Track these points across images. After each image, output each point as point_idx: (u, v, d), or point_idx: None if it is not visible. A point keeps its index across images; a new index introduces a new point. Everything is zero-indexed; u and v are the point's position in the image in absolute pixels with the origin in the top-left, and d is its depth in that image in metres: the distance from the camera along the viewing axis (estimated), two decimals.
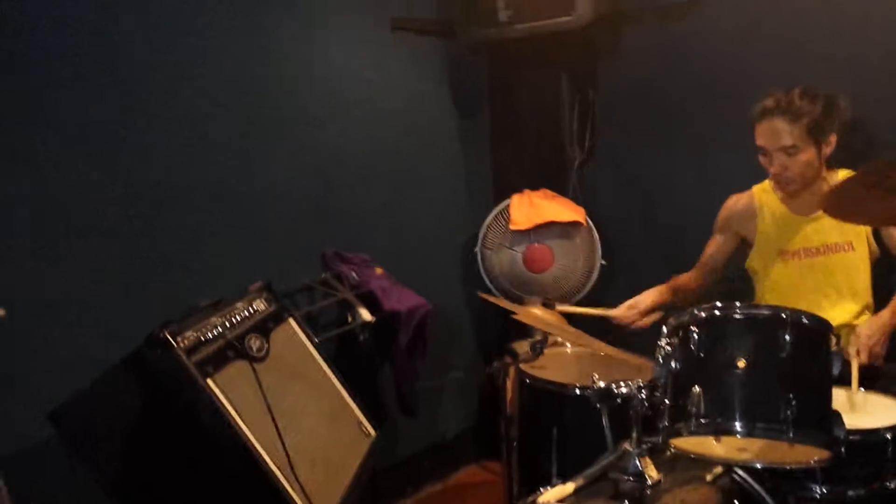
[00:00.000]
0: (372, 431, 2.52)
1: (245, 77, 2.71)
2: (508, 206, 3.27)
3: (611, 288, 3.24)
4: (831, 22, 2.67)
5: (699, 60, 2.97)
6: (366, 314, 2.80)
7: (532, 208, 3.22)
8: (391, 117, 3.21)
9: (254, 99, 2.75)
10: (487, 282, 3.31)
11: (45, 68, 2.26)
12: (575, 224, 3.20)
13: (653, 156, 3.20)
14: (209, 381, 1.94)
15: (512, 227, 3.22)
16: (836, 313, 2.42)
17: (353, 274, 2.93)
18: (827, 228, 2.45)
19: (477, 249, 3.29)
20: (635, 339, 2.52)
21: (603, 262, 3.20)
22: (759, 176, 2.55)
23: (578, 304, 3.08)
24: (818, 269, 2.47)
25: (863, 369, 2.12)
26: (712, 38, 2.92)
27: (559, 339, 2.53)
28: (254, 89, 2.75)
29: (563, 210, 3.21)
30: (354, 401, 2.51)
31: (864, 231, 2.44)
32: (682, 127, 3.08)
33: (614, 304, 2.70)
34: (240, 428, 1.95)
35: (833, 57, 2.64)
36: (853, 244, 2.44)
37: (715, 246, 2.69)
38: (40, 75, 2.26)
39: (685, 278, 2.72)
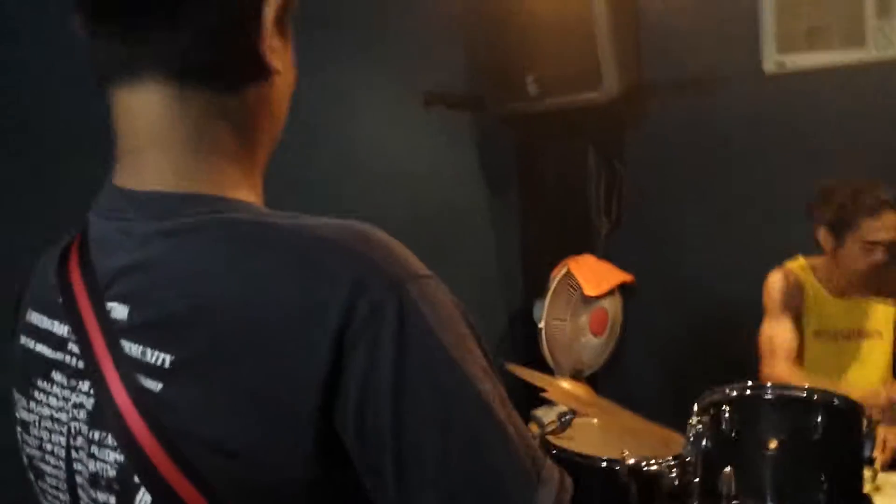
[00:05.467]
0: None
1: (276, 150, 2.78)
2: (569, 272, 3.19)
3: (634, 355, 3.24)
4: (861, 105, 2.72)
5: (724, 132, 3.02)
6: None
7: (595, 272, 3.21)
8: (423, 189, 3.28)
9: (286, 171, 2.81)
10: (548, 355, 3.13)
11: None
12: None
13: (680, 225, 3.23)
14: None
15: (587, 293, 3.16)
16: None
17: None
18: (859, 313, 2.47)
19: (541, 324, 3.13)
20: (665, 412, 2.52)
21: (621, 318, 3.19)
22: (785, 248, 2.58)
23: (605, 372, 3.08)
24: (848, 353, 2.48)
25: None
26: (737, 111, 2.98)
27: (586, 414, 2.53)
28: (286, 161, 2.81)
29: (618, 272, 3.22)
30: None
31: (893, 320, 2.46)
32: (708, 198, 3.12)
33: (639, 372, 2.70)
34: None
35: (860, 141, 2.68)
36: (882, 333, 2.47)
37: (790, 332, 2.54)
38: None
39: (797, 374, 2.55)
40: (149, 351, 0.68)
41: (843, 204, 2.36)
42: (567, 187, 3.48)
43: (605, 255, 3.38)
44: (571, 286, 3.22)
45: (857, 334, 2.48)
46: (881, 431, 2.22)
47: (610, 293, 3.21)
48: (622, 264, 3.34)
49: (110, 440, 0.70)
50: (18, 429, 0.83)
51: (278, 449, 0.65)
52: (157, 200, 0.73)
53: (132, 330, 0.70)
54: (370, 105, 3.10)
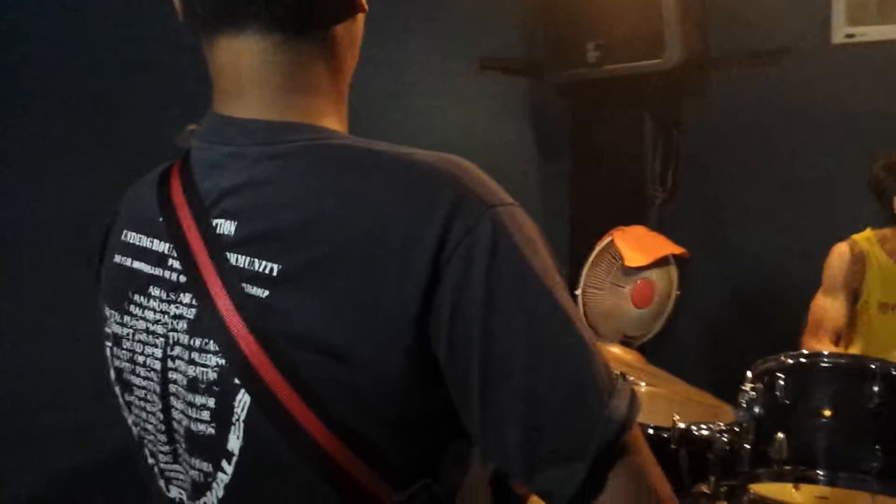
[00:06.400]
0: None
1: None
2: (612, 242, 3.20)
3: (685, 326, 3.22)
4: None
5: (788, 105, 2.97)
6: None
7: (640, 244, 3.20)
8: (475, 155, 3.27)
9: None
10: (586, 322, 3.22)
11: None
12: (667, 258, 3.18)
13: (736, 197, 3.20)
14: None
15: (628, 263, 3.16)
16: None
17: None
18: None
19: (578, 291, 3.17)
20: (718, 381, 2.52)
21: (678, 291, 3.17)
22: (845, 225, 2.54)
23: (655, 340, 3.07)
24: None
25: None
26: (803, 83, 2.92)
27: (636, 380, 2.54)
28: None
29: (669, 244, 3.20)
30: None
31: None
32: (767, 171, 3.08)
33: (689, 343, 2.69)
34: None
35: None
36: None
37: (840, 309, 2.54)
38: None
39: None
40: (256, 261, 0.73)
41: None
42: (623, 156, 3.45)
43: (659, 226, 3.36)
44: (613, 256, 3.22)
45: None
46: None
47: (661, 265, 3.19)
48: (676, 235, 3.31)
49: (212, 345, 0.75)
50: (108, 344, 0.87)
51: (377, 350, 0.69)
52: (263, 127, 0.78)
53: (239, 243, 0.75)
54: (424, 70, 3.10)
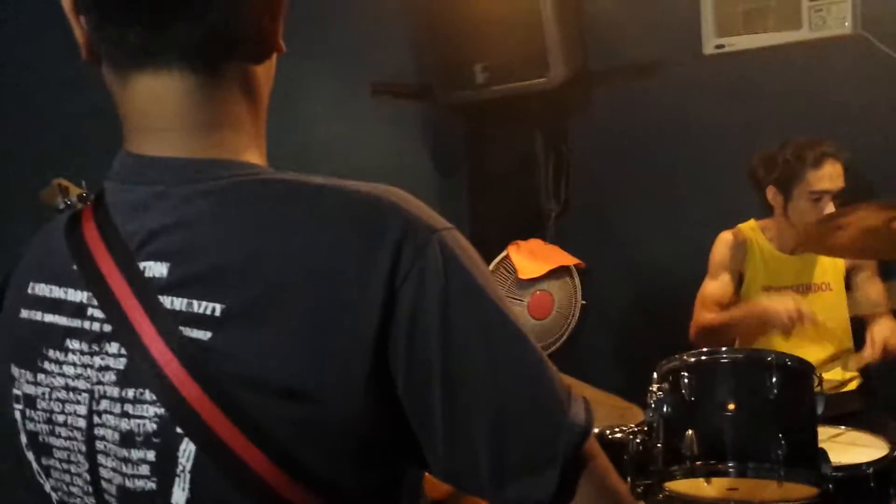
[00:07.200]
0: None
1: None
2: (507, 257, 3.31)
3: (589, 332, 3.32)
4: (793, 79, 2.84)
5: (667, 114, 3.11)
6: None
7: (534, 256, 3.28)
8: (371, 179, 3.28)
9: None
10: None
11: None
12: (566, 268, 3.28)
13: (627, 206, 3.32)
14: None
15: (521, 276, 3.26)
16: (813, 352, 2.51)
17: None
18: (808, 268, 2.58)
19: None
20: (628, 384, 2.59)
21: (583, 301, 3.26)
22: (728, 221, 2.68)
23: (561, 348, 3.16)
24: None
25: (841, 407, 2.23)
26: (679, 92, 3.07)
27: None
28: None
29: (561, 255, 3.29)
30: None
31: (842, 273, 2.57)
32: (653, 177, 3.21)
33: (595, 349, 2.76)
34: None
35: (794, 111, 2.80)
36: (830, 285, 2.57)
37: (721, 287, 2.65)
38: None
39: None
40: (195, 302, 0.71)
41: (787, 160, 2.49)
42: (516, 173, 3.54)
43: (556, 238, 3.45)
44: (507, 269, 3.31)
45: (807, 288, 2.58)
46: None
47: (559, 277, 3.28)
48: (572, 246, 3.42)
49: (147, 395, 0.72)
50: (18, 406, 0.82)
51: (335, 382, 0.69)
52: (189, 164, 0.76)
53: (173, 285, 0.72)
54: (318, 97, 3.09)
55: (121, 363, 0.74)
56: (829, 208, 2.45)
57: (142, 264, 0.74)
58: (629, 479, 1.86)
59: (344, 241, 0.71)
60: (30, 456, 0.83)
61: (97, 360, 0.76)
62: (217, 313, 0.70)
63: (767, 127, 2.80)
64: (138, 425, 0.73)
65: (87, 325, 0.77)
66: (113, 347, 0.75)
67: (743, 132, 2.88)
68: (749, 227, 2.72)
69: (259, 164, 0.81)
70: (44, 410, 0.80)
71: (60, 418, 0.78)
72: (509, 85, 3.12)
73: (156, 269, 0.73)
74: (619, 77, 3.23)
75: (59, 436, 0.79)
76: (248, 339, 0.69)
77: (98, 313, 0.76)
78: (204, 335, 0.70)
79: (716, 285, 2.66)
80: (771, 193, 2.57)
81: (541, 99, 3.19)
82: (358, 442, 0.71)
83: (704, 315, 2.60)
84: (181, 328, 0.71)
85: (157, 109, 0.77)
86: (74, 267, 0.78)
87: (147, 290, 0.73)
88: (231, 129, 0.79)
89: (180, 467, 0.71)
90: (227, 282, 0.71)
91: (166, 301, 0.72)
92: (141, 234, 0.75)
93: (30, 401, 0.81)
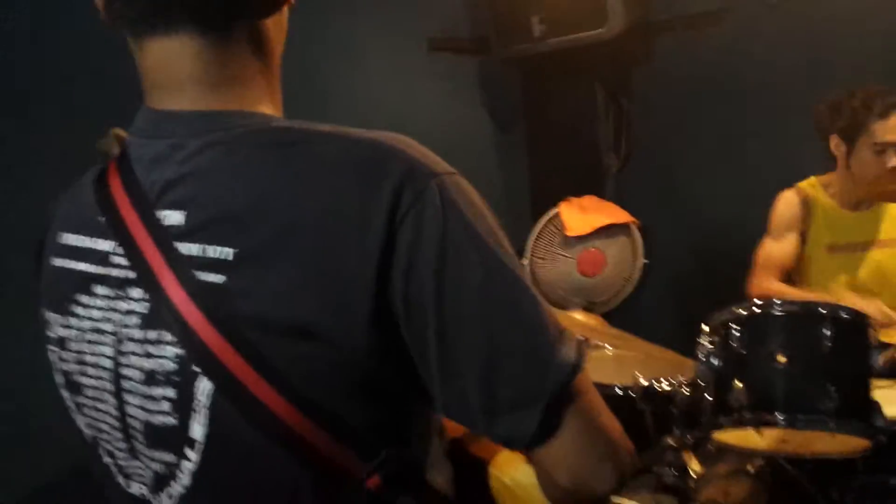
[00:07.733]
0: None
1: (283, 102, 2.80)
2: (557, 214, 3.31)
3: (648, 289, 3.29)
4: (861, 25, 2.72)
5: (729, 65, 3.02)
6: None
7: (584, 214, 3.26)
8: (429, 136, 3.28)
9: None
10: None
11: None
12: (623, 227, 3.24)
13: (688, 159, 3.25)
14: None
15: (568, 233, 3.26)
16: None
17: None
18: (873, 224, 2.51)
19: (526, 261, 3.32)
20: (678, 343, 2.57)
21: (646, 260, 3.24)
22: (794, 176, 2.60)
23: (620, 305, 3.13)
24: (864, 265, 2.52)
25: None
26: (743, 41, 2.98)
27: (600, 343, 2.59)
28: (291, 113, 2.83)
29: (616, 213, 3.26)
30: None
31: None
32: (715, 130, 3.13)
33: (653, 306, 2.74)
34: None
35: (862, 59, 2.69)
36: None
37: (785, 248, 2.60)
38: None
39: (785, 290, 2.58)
40: (209, 248, 0.75)
41: (853, 108, 2.40)
42: (575, 127, 3.49)
43: (616, 193, 3.41)
44: (556, 227, 3.29)
45: (872, 244, 2.51)
46: None
47: (614, 235, 3.25)
48: (632, 201, 3.37)
49: (168, 336, 0.76)
50: (53, 348, 0.88)
51: (342, 319, 0.72)
52: (202, 117, 0.80)
53: (189, 232, 0.76)
54: (374, 54, 3.10)
55: (143, 307, 0.78)
56: (893, 162, 2.36)
57: (160, 213, 0.78)
58: (677, 430, 1.85)
59: (347, 186, 0.73)
60: (64, 394, 0.89)
61: (122, 305, 0.80)
62: (230, 257, 0.73)
63: (835, 76, 2.70)
64: (160, 364, 0.77)
65: (112, 271, 0.81)
66: (136, 292, 0.79)
67: (809, 83, 2.78)
68: (810, 184, 2.64)
69: (274, 114, 0.84)
70: (75, 352, 0.85)
71: (90, 359, 0.83)
72: (567, 37, 3.07)
73: (173, 217, 0.77)
74: (679, 26, 3.14)
75: (88, 375, 0.84)
76: (259, 281, 0.73)
77: (122, 261, 0.80)
78: (218, 279, 0.74)
79: (780, 247, 2.61)
80: (834, 142, 2.49)
81: (599, 51, 3.12)
82: (365, 378, 0.74)
83: (772, 284, 2.54)
84: (197, 273, 0.74)
85: (171, 69, 0.80)
86: (101, 218, 0.82)
87: (165, 238, 0.77)
88: (242, 84, 0.82)
89: (198, 404, 0.75)
90: (238, 227, 0.74)
91: (183, 247, 0.76)
92: (160, 185, 0.79)
93: (62, 343, 0.86)
